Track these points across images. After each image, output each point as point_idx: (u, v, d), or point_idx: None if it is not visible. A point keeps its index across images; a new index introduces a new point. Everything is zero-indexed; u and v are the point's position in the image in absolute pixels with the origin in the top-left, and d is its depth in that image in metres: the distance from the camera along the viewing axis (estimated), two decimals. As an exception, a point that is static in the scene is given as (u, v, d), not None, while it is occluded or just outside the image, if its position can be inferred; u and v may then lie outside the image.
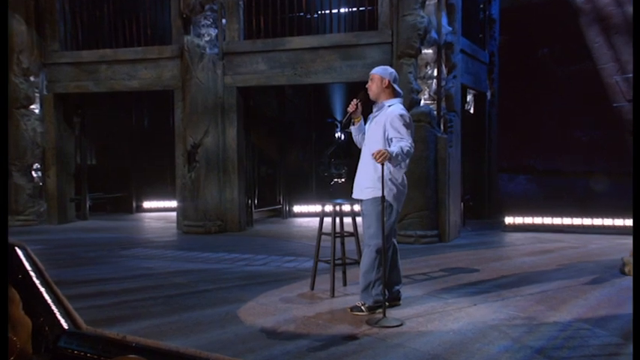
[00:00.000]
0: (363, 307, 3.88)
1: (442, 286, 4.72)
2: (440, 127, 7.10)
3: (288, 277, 5.11)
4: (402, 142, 3.72)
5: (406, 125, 3.78)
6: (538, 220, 7.87)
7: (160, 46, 8.38)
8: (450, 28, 7.17)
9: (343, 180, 9.90)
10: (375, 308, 3.87)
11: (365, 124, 4.01)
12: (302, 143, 10.21)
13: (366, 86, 3.93)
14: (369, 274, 3.86)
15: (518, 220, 7.94)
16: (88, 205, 9.52)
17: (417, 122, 6.86)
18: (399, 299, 4.07)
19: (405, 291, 4.48)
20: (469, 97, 9.28)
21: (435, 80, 7.16)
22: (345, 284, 4.64)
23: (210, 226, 7.89)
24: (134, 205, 10.41)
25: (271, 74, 7.77)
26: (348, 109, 3.90)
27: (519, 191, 10.68)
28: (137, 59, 8.34)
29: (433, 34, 6.96)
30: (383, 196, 3.71)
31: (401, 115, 3.78)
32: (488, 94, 9.33)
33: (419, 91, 6.98)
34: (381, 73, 3.92)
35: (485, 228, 8.29)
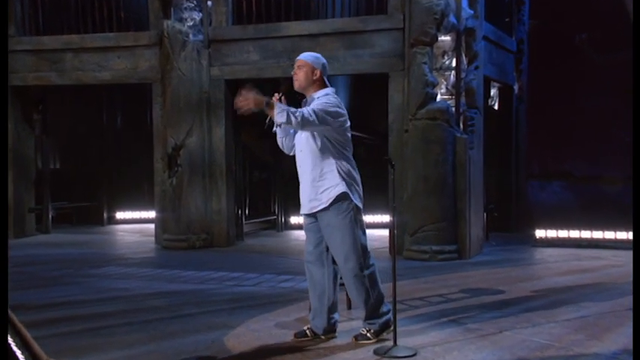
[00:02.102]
0: (369, 334, 3.92)
1: (462, 309, 4.77)
2: (459, 126, 7.17)
3: (284, 299, 5.17)
4: (307, 109, 3.63)
5: (332, 109, 3.67)
6: (575, 234, 7.93)
7: (135, 32, 8.46)
8: (472, 12, 7.25)
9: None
10: (382, 331, 3.92)
11: None
12: (300, 144, 10.30)
13: (292, 73, 3.88)
14: (367, 299, 3.85)
15: (552, 233, 8.00)
16: (50, 217, 9.58)
17: (433, 120, 6.94)
18: (335, 330, 4.02)
19: (420, 315, 4.53)
20: (493, 91, 9.36)
21: (453, 72, 7.23)
22: (349, 307, 4.70)
23: (194, 240, 7.95)
24: (105, 216, 10.48)
25: (265, 65, 7.85)
26: (266, 98, 3.68)
27: (552, 200, 10.73)
28: (109, 47, 8.42)
29: (452, 19, 7.04)
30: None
31: (329, 102, 3.70)
32: (516, 87, 9.41)
33: (435, 85, 7.05)
34: (313, 61, 3.84)
35: (512, 243, 8.35)
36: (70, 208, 10.46)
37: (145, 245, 8.36)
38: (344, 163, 3.79)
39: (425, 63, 6.96)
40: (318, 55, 3.94)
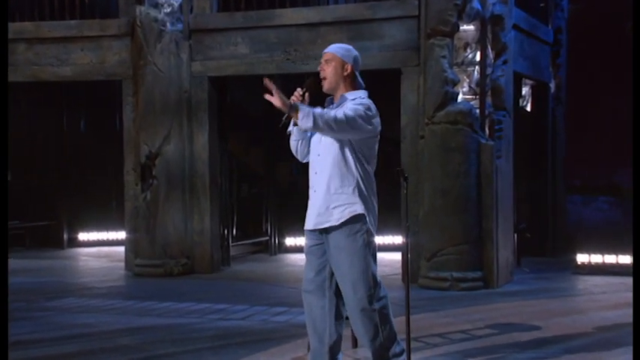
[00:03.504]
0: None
1: (489, 349, 4.79)
2: (484, 131, 7.24)
3: (277, 335, 5.20)
4: (337, 111, 3.66)
5: (365, 114, 3.71)
6: (624, 260, 7.93)
7: (102, 20, 8.52)
8: (499, -4, 7.33)
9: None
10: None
11: None
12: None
13: (319, 69, 3.90)
14: (375, 337, 3.84)
15: (596, 258, 8.02)
16: (-1, 239, 9.61)
17: (453, 124, 7.00)
18: None
19: (439, 356, 4.56)
20: (525, 90, 9.42)
21: (477, 67, 7.30)
22: (355, 346, 4.72)
23: (171, 265, 8.00)
24: (65, 237, 10.52)
25: (256, 59, 7.93)
26: (289, 102, 3.72)
27: (597, 219, 10.76)
28: (70, 37, 8.49)
29: (475, 4, 7.13)
30: (406, 216, 3.73)
31: (364, 105, 3.74)
32: (552, 85, 9.47)
33: (455, 83, 7.12)
34: (343, 54, 3.85)
35: (548, 269, 8.37)
36: (23, 228, 10.48)
37: (113, 272, 8.40)
38: (365, 180, 3.83)
39: (444, 57, 7.03)
40: (349, 46, 3.95)
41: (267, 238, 9.68)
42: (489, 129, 7.28)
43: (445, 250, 7.01)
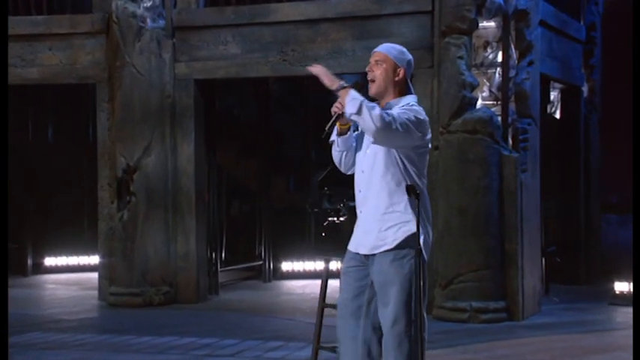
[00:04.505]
0: None
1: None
2: (507, 141, 7.26)
3: (272, 375, 5.20)
4: (389, 112, 3.70)
5: (416, 118, 3.76)
6: (668, 288, 7.94)
7: (72, 16, 8.58)
8: (524, -12, 7.38)
9: (343, 219, 9.98)
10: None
11: (357, 133, 3.99)
12: (295, 165, 10.33)
13: (367, 69, 3.93)
14: None
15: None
16: (-45, 264, 9.62)
17: (472, 134, 7.03)
18: None
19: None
20: (554, 95, 9.45)
21: (499, 69, 7.33)
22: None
23: (152, 294, 8.00)
24: (29, 262, 10.51)
25: (248, 60, 7.97)
26: (333, 109, 3.78)
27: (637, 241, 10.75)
28: (37, 35, 8.53)
29: (497, -2, 7.17)
30: (418, 234, 3.68)
31: (413, 111, 3.80)
32: (585, 89, 9.49)
33: (474, 87, 7.15)
34: (396, 56, 3.91)
35: (581, 299, 8.37)
36: (-18, 253, 10.49)
37: (85, 302, 8.39)
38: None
39: (461, 57, 7.07)
40: (402, 47, 3.99)
41: (261, 262, 9.69)
42: (513, 139, 7.31)
43: (463, 276, 7.02)
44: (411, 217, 3.77)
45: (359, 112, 3.62)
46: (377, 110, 3.63)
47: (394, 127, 3.64)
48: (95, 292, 8.52)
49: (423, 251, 3.81)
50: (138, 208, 8.01)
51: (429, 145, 3.92)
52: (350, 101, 3.64)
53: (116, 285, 8.09)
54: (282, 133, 10.42)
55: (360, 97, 3.67)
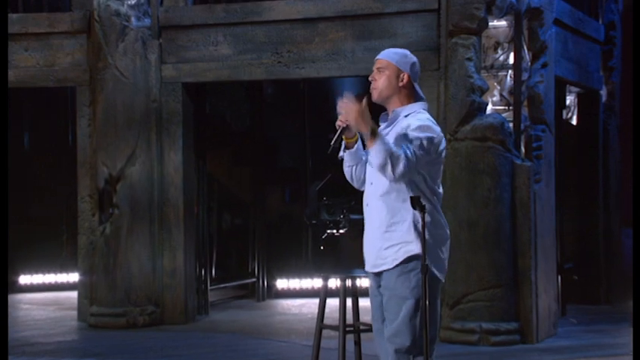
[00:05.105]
0: None
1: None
2: (519, 149, 7.27)
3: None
4: (407, 151, 3.73)
5: (428, 143, 3.80)
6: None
7: (51, 14, 8.55)
8: (538, -15, 7.40)
9: (343, 232, 9.94)
10: None
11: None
12: (290, 174, 10.33)
13: (370, 78, 3.98)
14: None
15: (660, 306, 8.02)
16: None
17: (481, 141, 7.04)
18: None
19: None
20: (570, 99, 9.45)
21: (510, 72, 7.34)
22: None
23: (136, 314, 7.98)
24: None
25: (240, 62, 7.98)
26: (338, 122, 3.84)
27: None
28: (12, 34, 8.39)
29: (508, -5, 7.20)
30: (424, 254, 3.70)
31: (429, 127, 3.84)
32: (604, 93, 9.48)
33: (484, 90, 7.16)
34: (398, 60, 3.95)
35: (601, 319, 8.34)
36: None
37: (63, 323, 8.36)
38: (426, 209, 3.84)
39: (469, 59, 7.08)
40: (406, 51, 4.04)
41: (254, 280, 9.68)
42: (526, 147, 7.32)
43: (472, 295, 7.02)
44: (414, 237, 3.81)
45: (383, 167, 3.69)
46: (401, 164, 3.67)
47: (412, 166, 3.71)
48: (74, 313, 8.49)
49: (435, 270, 3.84)
50: (121, 221, 8.01)
51: (444, 155, 3.94)
52: (376, 152, 3.70)
53: (97, 305, 8.07)
54: (277, 140, 10.42)
55: (387, 145, 3.71)
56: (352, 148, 3.94)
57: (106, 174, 8.03)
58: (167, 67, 8.14)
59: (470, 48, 7.09)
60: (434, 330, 3.86)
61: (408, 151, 3.72)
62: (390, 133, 3.90)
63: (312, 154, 9.89)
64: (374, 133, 3.72)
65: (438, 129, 3.89)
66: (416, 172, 3.82)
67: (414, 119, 3.86)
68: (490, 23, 7.24)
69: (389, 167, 3.68)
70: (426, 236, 3.77)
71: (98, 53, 8.09)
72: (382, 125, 3.98)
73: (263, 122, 9.75)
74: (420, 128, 3.81)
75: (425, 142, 3.78)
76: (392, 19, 7.52)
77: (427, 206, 3.82)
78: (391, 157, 3.67)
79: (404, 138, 3.78)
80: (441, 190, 3.97)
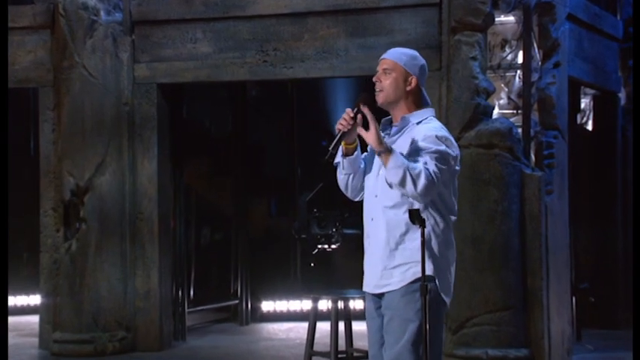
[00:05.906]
0: None
1: None
2: (529, 157, 7.30)
3: None
4: (428, 164, 3.77)
5: (444, 157, 3.84)
6: None
7: (10, 6, 8.47)
8: (549, -23, 7.45)
9: (335, 247, 9.95)
10: None
11: (365, 154, 4.09)
12: (277, 185, 10.35)
13: (374, 79, 4.01)
14: None
15: (684, 330, 8.04)
16: None
17: (487, 148, 7.06)
18: None
19: None
20: (585, 103, 9.49)
21: (519, 72, 7.38)
22: None
23: (104, 341, 7.95)
24: (-43, 302, 10.49)
25: (222, 61, 8.00)
26: (338, 126, 3.88)
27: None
28: (-32, 30, 8.58)
29: (516, -12, 7.24)
30: (423, 273, 3.74)
31: (446, 139, 3.88)
32: (623, 95, 9.53)
33: (490, 93, 7.19)
34: (406, 62, 3.98)
35: (619, 345, 8.34)
36: None
37: (23, 351, 8.33)
38: (438, 229, 3.91)
39: (474, 58, 7.11)
40: (415, 52, 4.07)
41: (237, 301, 9.68)
42: (536, 155, 7.35)
43: (478, 318, 7.04)
44: (416, 257, 3.80)
45: (402, 183, 3.72)
46: (422, 179, 3.70)
47: (435, 183, 3.74)
48: (35, 340, 8.46)
49: (443, 294, 3.88)
50: (89, 238, 7.99)
51: (458, 166, 3.97)
52: (392, 168, 3.73)
53: (61, 330, 8.05)
54: (262, 147, 10.44)
55: (405, 161, 3.74)
56: (351, 155, 3.97)
57: (73, 185, 8.02)
58: (140, 66, 8.16)
59: (474, 46, 7.12)
60: (437, 358, 3.89)
61: (430, 166, 3.76)
62: (398, 141, 3.93)
63: (301, 162, 9.93)
64: (388, 150, 3.75)
65: (453, 139, 3.93)
66: (442, 186, 3.84)
67: (428, 128, 3.90)
68: (497, 19, 7.27)
69: (409, 184, 3.71)
70: (437, 255, 3.84)
71: (63, 51, 8.10)
72: (390, 131, 4.01)
73: (246, 127, 9.74)
74: (438, 139, 3.85)
75: (445, 154, 3.83)
76: (388, 13, 7.55)
77: (441, 224, 3.90)
78: (410, 174, 3.70)
79: (421, 149, 3.82)
80: (456, 206, 4.01)
